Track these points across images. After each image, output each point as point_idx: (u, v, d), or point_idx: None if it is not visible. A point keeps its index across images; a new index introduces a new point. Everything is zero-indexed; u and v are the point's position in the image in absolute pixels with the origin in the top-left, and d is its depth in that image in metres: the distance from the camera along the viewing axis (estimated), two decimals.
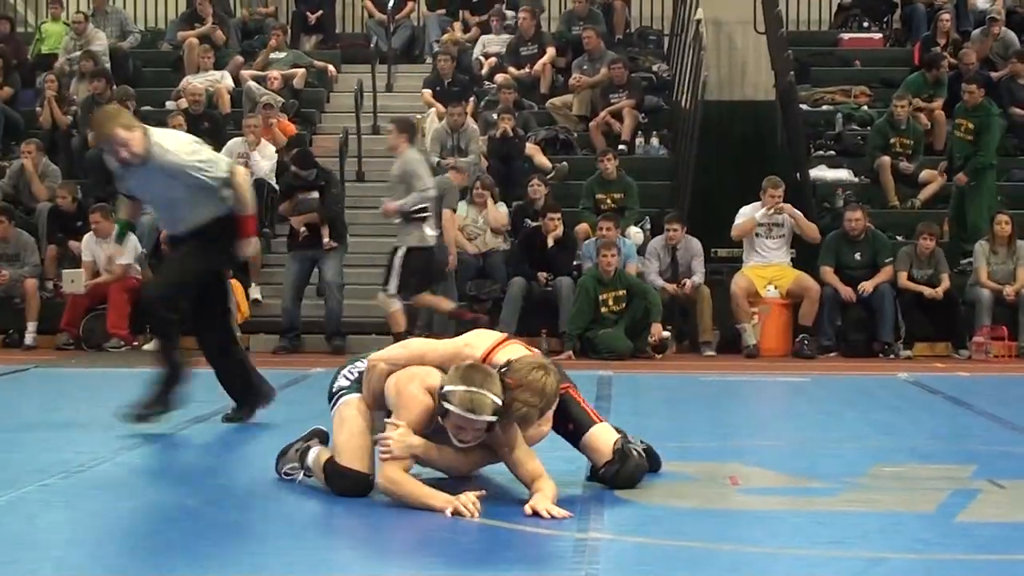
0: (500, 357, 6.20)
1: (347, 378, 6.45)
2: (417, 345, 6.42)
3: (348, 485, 6.23)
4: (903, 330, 15.12)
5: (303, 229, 15.24)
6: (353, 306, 15.72)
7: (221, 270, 8.98)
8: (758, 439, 8.79)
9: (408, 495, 5.92)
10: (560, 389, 6.22)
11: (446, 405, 5.85)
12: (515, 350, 6.29)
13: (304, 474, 6.53)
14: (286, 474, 6.63)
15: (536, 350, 6.50)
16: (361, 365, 6.42)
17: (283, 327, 15.34)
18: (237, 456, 7.56)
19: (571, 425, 6.46)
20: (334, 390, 6.48)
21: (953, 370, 13.68)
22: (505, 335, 6.48)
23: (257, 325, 15.58)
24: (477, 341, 6.37)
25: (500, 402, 5.84)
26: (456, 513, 5.72)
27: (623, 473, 6.37)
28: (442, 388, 5.89)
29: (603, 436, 6.43)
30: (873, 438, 8.70)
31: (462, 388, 5.82)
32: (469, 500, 5.75)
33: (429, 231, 13.68)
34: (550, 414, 6.27)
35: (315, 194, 15.39)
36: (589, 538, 5.44)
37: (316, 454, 6.50)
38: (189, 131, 16.65)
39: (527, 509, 5.79)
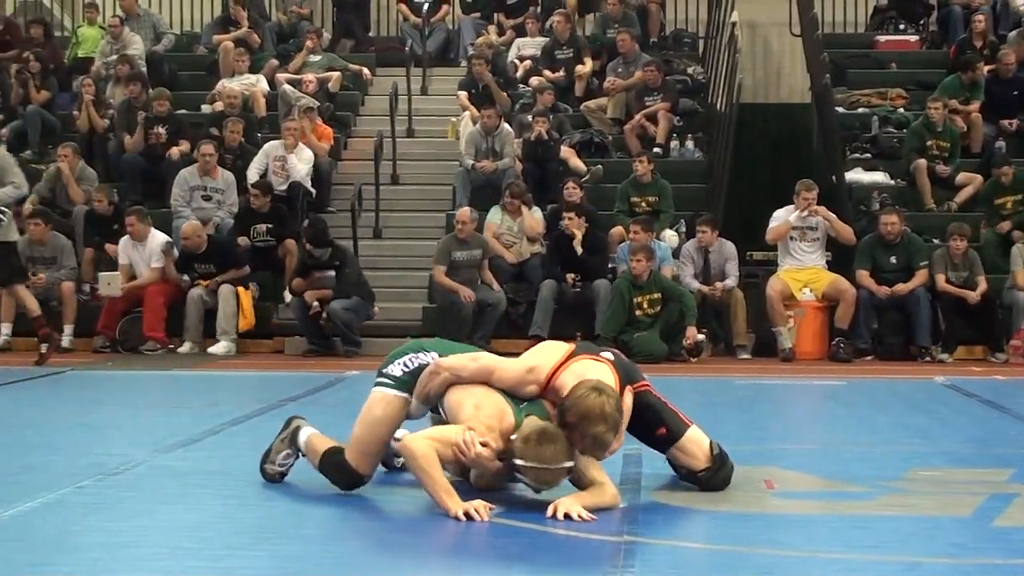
0: (566, 378, 6.09)
1: (404, 369, 6.32)
2: (486, 360, 6.26)
3: (340, 480, 6.32)
4: (943, 333, 15.02)
5: (315, 303, 15.01)
6: (386, 309, 15.71)
7: None
8: (793, 443, 8.77)
9: (431, 479, 5.89)
10: (639, 388, 6.35)
11: (520, 476, 5.91)
12: (581, 368, 6.15)
13: (296, 457, 6.62)
14: (280, 466, 6.64)
15: (607, 356, 6.33)
16: (424, 359, 6.32)
17: (304, 335, 15.31)
18: None
19: (663, 429, 6.48)
20: (383, 372, 6.37)
21: (990, 374, 13.61)
22: (571, 348, 6.32)
23: (289, 328, 15.58)
24: (542, 361, 6.21)
25: (571, 464, 5.88)
26: (468, 517, 5.74)
27: (720, 476, 6.51)
28: (515, 458, 5.87)
29: (700, 440, 6.52)
30: (909, 442, 8.67)
31: (534, 465, 5.83)
32: (482, 506, 5.77)
33: (11, 228, 13.58)
34: (623, 430, 6.22)
35: (331, 273, 15.22)
36: (624, 541, 5.43)
37: (309, 435, 6.56)
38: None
39: (549, 509, 5.81)
